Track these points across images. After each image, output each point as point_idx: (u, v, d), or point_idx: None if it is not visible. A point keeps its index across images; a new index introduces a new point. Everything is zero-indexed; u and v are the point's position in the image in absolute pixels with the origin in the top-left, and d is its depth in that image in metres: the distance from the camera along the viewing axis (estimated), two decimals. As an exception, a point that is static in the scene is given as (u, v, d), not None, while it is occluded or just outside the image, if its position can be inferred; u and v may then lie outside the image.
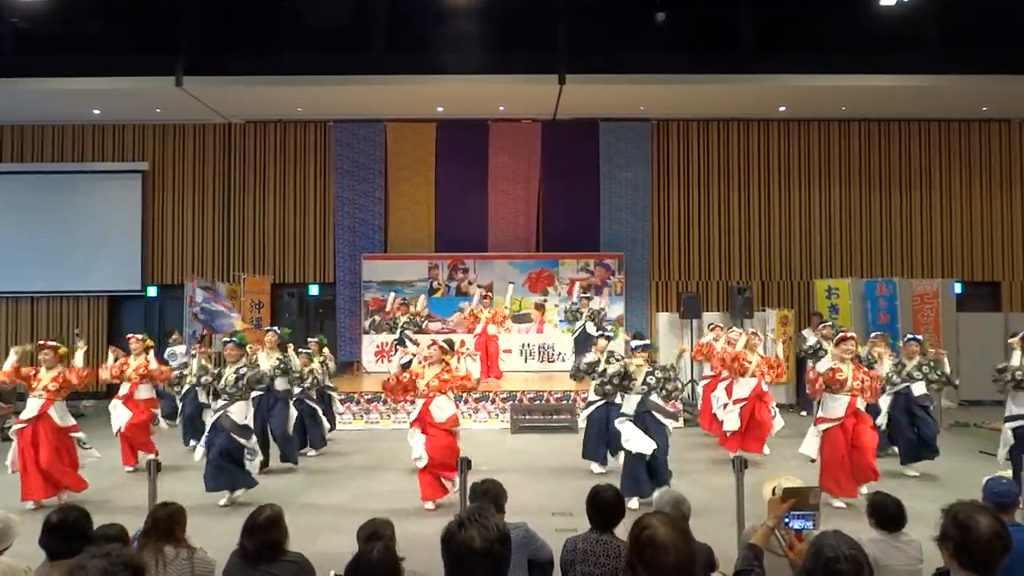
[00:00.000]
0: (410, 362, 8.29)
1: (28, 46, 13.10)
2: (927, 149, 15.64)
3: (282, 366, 9.29)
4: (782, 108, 14.85)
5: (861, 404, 7.55)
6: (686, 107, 14.85)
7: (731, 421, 9.30)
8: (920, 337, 9.23)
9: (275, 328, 9.84)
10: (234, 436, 7.57)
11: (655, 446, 7.35)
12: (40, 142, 15.60)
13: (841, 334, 7.91)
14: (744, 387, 9.34)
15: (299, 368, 9.54)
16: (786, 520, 3.05)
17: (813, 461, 7.56)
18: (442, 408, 7.61)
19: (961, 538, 2.42)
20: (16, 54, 13.14)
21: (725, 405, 10.16)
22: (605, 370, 8.25)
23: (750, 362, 9.36)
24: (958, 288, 14.76)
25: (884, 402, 8.82)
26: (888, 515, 4.09)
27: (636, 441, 7.41)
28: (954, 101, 14.27)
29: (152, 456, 8.90)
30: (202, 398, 9.78)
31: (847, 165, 15.62)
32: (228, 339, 8.23)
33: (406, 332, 13.26)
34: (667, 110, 15.06)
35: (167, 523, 3.84)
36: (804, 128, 15.68)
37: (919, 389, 8.81)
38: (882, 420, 8.74)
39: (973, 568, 2.41)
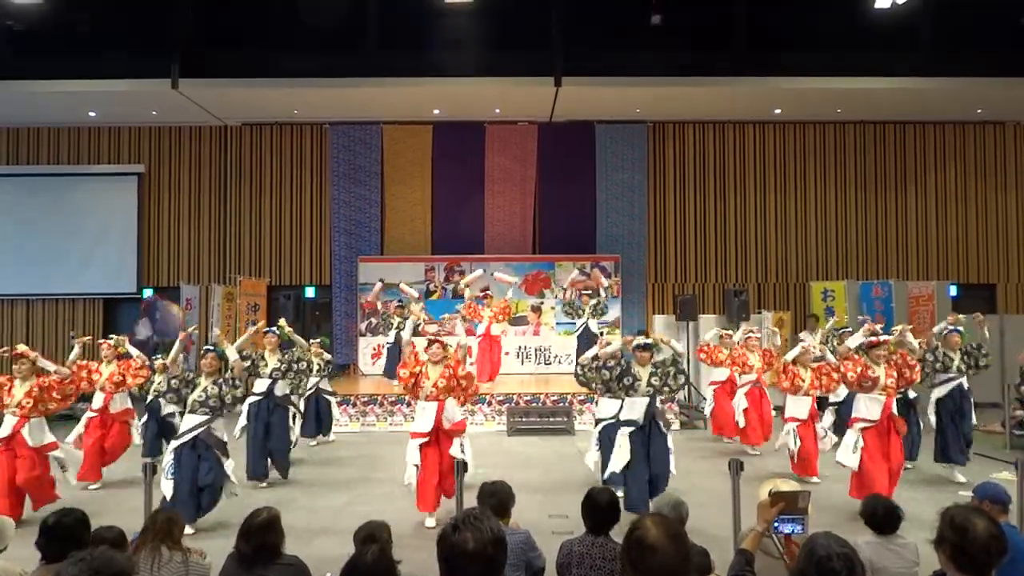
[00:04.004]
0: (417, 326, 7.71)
1: (24, 48, 13.09)
2: (922, 151, 15.70)
3: (282, 367, 8.90)
4: (777, 110, 14.88)
5: (894, 408, 7.29)
6: (682, 109, 14.88)
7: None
8: (961, 328, 8.82)
9: (273, 328, 9.40)
10: (218, 453, 7.04)
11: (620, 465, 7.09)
12: (36, 144, 15.58)
13: (874, 339, 7.51)
14: (799, 407, 8.58)
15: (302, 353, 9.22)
16: (776, 524, 3.05)
17: (849, 467, 7.20)
18: (452, 412, 7.30)
19: (958, 541, 2.42)
20: (12, 56, 13.12)
21: (746, 410, 9.93)
22: (603, 363, 7.79)
23: (803, 379, 8.60)
24: (953, 290, 14.77)
25: (932, 399, 8.59)
26: (881, 517, 4.10)
27: (616, 460, 7.16)
28: (949, 103, 14.32)
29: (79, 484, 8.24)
30: (168, 409, 9.06)
31: (842, 167, 15.67)
32: (209, 348, 7.52)
33: (400, 335, 13.12)
34: (663, 112, 15.10)
35: (166, 525, 3.84)
36: (799, 130, 15.72)
37: (966, 383, 8.60)
38: (932, 417, 8.52)
39: (970, 571, 2.42)
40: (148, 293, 15.10)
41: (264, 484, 8.51)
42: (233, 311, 14.61)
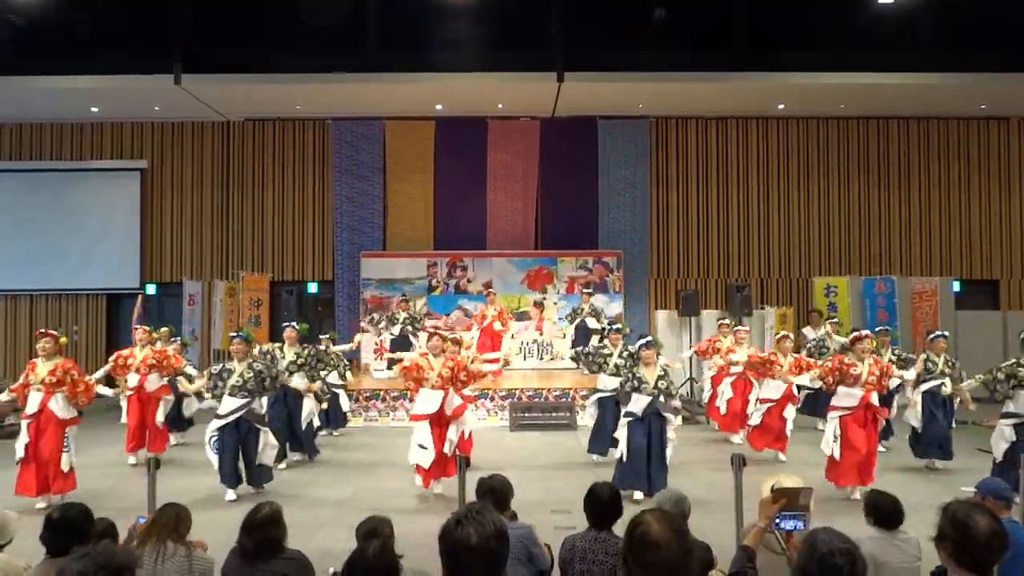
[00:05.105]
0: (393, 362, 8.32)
1: (26, 44, 13.06)
2: (926, 147, 15.65)
3: (299, 361, 9.27)
4: (780, 106, 14.85)
5: (875, 399, 7.62)
6: (684, 105, 14.86)
7: (756, 419, 9.32)
8: (947, 333, 9.33)
9: (293, 323, 9.74)
10: (261, 429, 7.73)
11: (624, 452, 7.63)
12: (39, 140, 15.59)
13: (856, 334, 7.89)
14: (773, 389, 9.20)
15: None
16: (777, 521, 3.04)
17: (831, 455, 7.59)
18: (453, 399, 7.72)
19: (959, 538, 2.40)
20: (14, 52, 13.10)
21: (729, 400, 10.30)
22: (616, 365, 8.63)
23: (780, 365, 9.17)
24: (956, 286, 14.77)
25: (916, 401, 8.91)
26: (885, 512, 4.09)
27: (621, 448, 7.69)
28: (952, 99, 14.28)
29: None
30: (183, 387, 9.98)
31: (845, 163, 15.63)
32: (234, 335, 8.14)
33: (408, 328, 13.31)
34: (665, 108, 15.06)
35: (172, 519, 3.86)
36: (803, 126, 15.69)
37: (947, 386, 8.88)
38: (915, 421, 8.78)
39: (972, 568, 2.40)
40: (151, 289, 15.14)
41: (283, 466, 8.92)
42: (236, 307, 14.62)
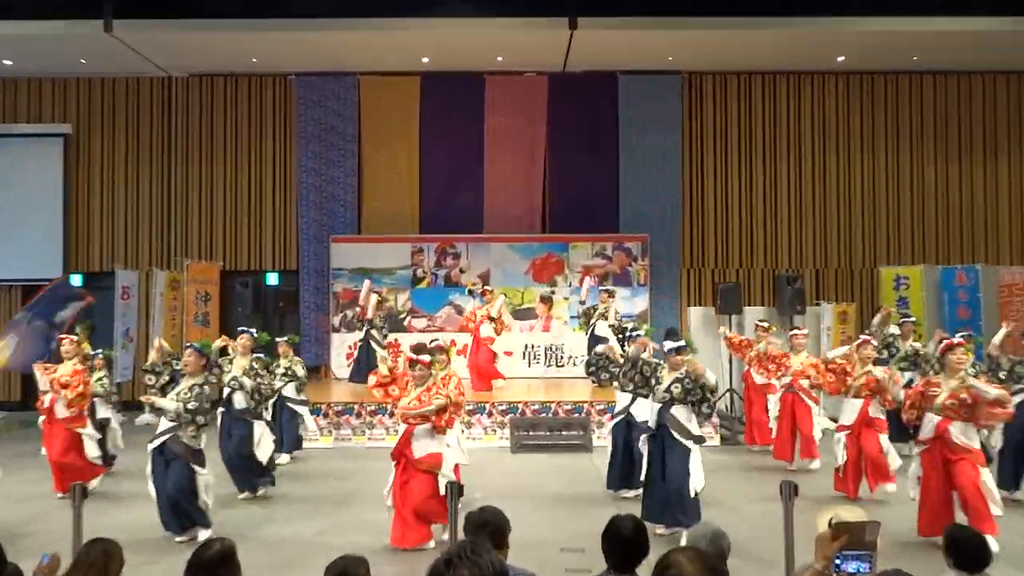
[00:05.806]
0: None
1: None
2: (1017, 108, 15.61)
3: (235, 382, 9.13)
4: (841, 58, 14.81)
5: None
6: (724, 57, 14.81)
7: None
8: None
9: (252, 331, 9.70)
10: (191, 464, 7.55)
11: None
12: (-60, 99, 15.62)
13: (947, 341, 7.57)
14: (852, 411, 8.88)
15: (263, 388, 9.52)
16: (837, 562, 3.04)
17: (913, 499, 7.49)
18: (422, 442, 7.39)
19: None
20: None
21: (778, 419, 10.28)
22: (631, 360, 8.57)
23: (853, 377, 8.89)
24: (1054, 277, 14.74)
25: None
26: (968, 553, 4.08)
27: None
28: (1051, 49, 14.23)
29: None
30: (104, 412, 10.08)
31: (919, 128, 15.60)
32: (189, 345, 8.13)
33: (372, 333, 13.16)
34: (701, 61, 15.04)
35: (100, 558, 3.85)
36: (867, 83, 15.64)
37: None
38: (996, 440, 8.65)
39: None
40: (76, 279, 15.10)
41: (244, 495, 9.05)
42: (179, 301, 14.62)
